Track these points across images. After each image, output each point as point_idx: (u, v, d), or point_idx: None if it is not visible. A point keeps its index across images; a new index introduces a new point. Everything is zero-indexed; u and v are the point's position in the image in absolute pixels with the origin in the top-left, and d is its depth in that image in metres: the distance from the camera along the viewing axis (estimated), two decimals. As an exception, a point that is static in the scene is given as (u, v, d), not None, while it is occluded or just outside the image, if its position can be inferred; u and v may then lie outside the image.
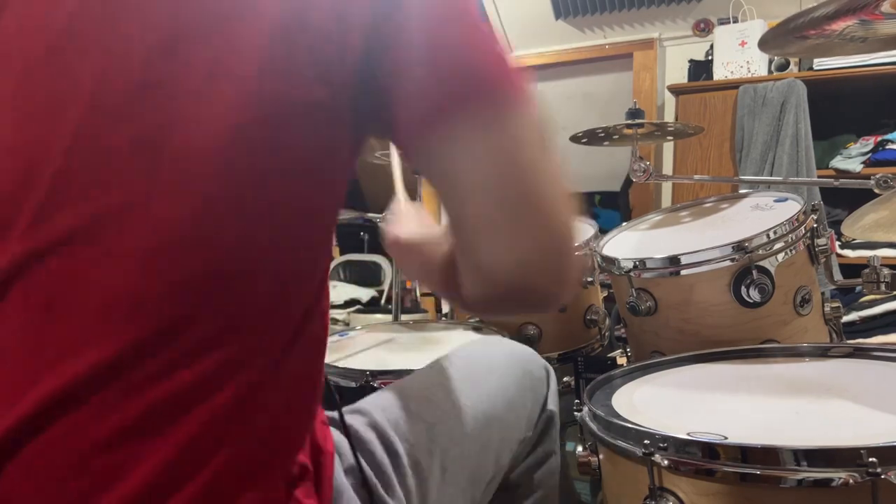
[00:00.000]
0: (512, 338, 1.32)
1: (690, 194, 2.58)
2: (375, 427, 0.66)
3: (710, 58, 2.70)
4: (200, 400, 0.45)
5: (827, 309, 1.11)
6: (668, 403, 0.81)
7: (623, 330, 1.31)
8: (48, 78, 0.46)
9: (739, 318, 1.04)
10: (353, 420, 0.66)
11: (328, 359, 1.18)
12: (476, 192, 0.50)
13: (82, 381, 0.43)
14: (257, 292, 0.48)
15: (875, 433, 0.61)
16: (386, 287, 3.38)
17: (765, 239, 1.03)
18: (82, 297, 0.44)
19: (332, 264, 3.65)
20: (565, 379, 1.40)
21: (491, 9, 3.25)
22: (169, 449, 0.44)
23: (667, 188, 2.99)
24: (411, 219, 0.75)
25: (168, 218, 0.45)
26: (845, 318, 1.86)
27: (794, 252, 1.05)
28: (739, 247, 1.02)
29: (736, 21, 2.67)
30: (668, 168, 2.94)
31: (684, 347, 1.01)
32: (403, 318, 1.90)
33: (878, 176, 1.22)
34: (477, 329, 1.42)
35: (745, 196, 1.29)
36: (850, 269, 1.97)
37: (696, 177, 2.61)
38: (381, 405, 0.70)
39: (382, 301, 3.28)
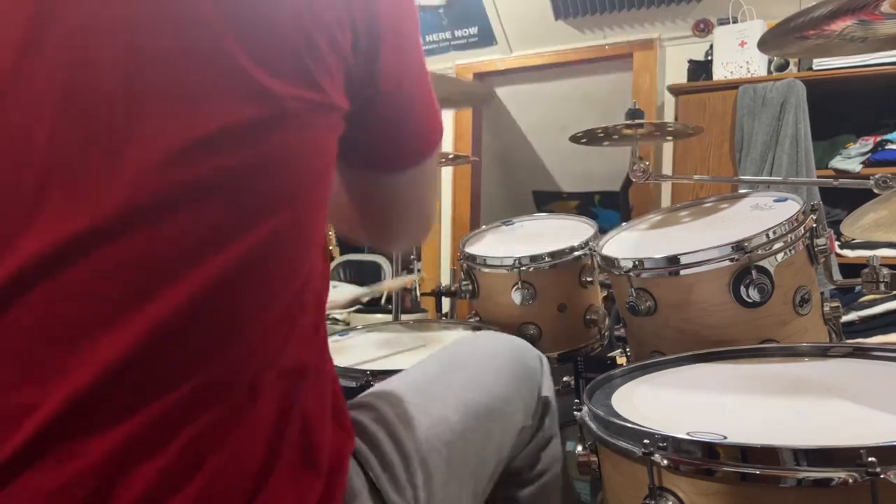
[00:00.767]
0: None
1: (690, 194, 2.58)
2: (383, 422, 0.67)
3: (709, 58, 2.70)
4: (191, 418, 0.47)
5: (826, 309, 1.11)
6: (667, 403, 0.81)
7: (623, 330, 1.31)
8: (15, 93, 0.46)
9: (739, 317, 1.04)
10: (360, 416, 0.67)
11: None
12: (403, 205, 0.72)
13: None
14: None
15: (875, 433, 0.61)
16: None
17: (764, 239, 1.03)
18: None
19: (332, 264, 3.65)
20: (565, 379, 1.40)
21: (491, 9, 3.26)
22: (165, 457, 0.45)
23: (666, 188, 3.00)
24: None
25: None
26: (845, 318, 1.86)
27: (793, 252, 1.05)
28: (739, 247, 1.02)
29: (735, 21, 2.67)
30: (667, 168, 2.94)
31: (684, 347, 1.01)
32: (403, 318, 1.90)
33: (877, 176, 1.22)
34: (477, 329, 1.42)
35: (744, 196, 1.29)
36: (850, 269, 1.97)
37: (696, 177, 2.61)
38: (387, 399, 0.71)
39: (382, 301, 3.28)
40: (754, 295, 1.02)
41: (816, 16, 0.84)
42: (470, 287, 1.49)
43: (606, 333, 1.53)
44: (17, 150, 0.46)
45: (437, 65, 3.46)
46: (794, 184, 2.19)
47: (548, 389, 0.92)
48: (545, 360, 0.95)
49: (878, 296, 2.00)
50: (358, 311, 3.05)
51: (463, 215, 3.53)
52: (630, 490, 0.68)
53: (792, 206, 1.12)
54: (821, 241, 1.08)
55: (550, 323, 1.42)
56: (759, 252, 1.02)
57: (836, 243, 2.33)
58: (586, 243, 1.42)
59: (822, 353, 0.92)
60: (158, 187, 0.45)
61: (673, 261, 1.07)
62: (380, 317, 2.79)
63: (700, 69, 2.75)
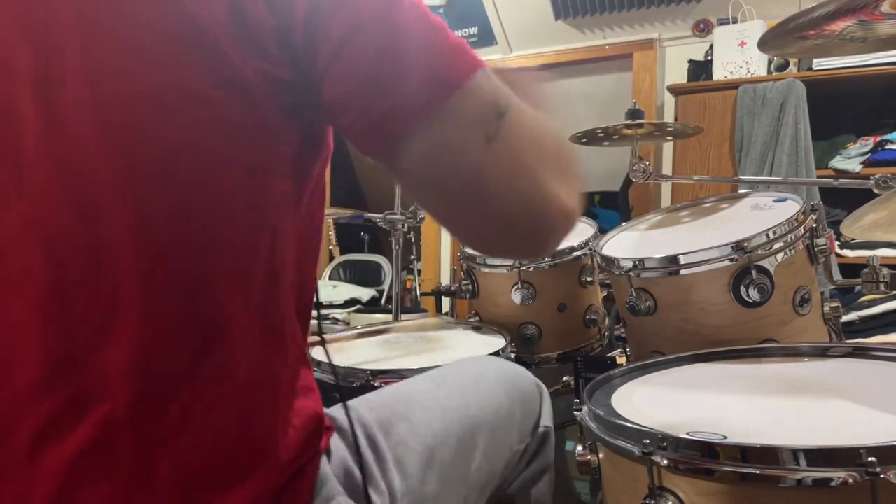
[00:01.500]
0: (512, 337, 1.32)
1: (690, 194, 2.58)
2: (361, 423, 0.68)
3: (709, 58, 2.70)
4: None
5: (826, 309, 1.11)
6: (667, 403, 0.81)
7: (623, 330, 1.31)
8: None
9: (739, 317, 1.04)
10: (338, 415, 0.68)
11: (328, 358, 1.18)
12: (430, 191, 0.56)
13: None
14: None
15: (875, 433, 0.61)
16: (386, 287, 3.38)
17: (764, 239, 1.03)
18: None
19: (332, 264, 3.65)
20: (565, 379, 1.41)
21: (491, 9, 3.26)
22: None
23: (666, 188, 2.99)
24: None
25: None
26: (844, 318, 1.86)
27: (793, 252, 1.05)
28: (739, 247, 1.02)
29: (735, 21, 2.67)
30: (667, 168, 2.94)
31: (684, 347, 1.01)
32: (403, 318, 1.90)
33: (877, 176, 1.22)
34: (477, 329, 1.42)
35: (744, 196, 1.29)
36: (850, 269, 1.97)
37: (696, 177, 2.61)
38: (368, 404, 0.72)
39: (382, 301, 3.28)
40: (754, 295, 1.02)
41: (816, 16, 0.84)
42: (470, 287, 1.49)
43: (606, 333, 1.53)
44: None
45: (437, 65, 3.45)
46: (794, 184, 2.19)
47: (547, 419, 0.91)
48: (544, 389, 0.93)
49: (877, 296, 2.00)
50: (358, 311, 3.05)
51: (463, 215, 3.52)
52: (630, 490, 0.68)
53: (792, 206, 1.12)
54: (821, 241, 1.08)
55: (550, 323, 1.42)
56: (759, 252, 1.02)
57: (836, 243, 2.33)
58: (586, 243, 1.42)
59: (821, 353, 0.92)
60: None
61: (673, 261, 1.07)
62: (380, 317, 2.79)
63: (700, 69, 2.75)
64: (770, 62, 2.59)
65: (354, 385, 1.09)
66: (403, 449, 0.68)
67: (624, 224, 1.37)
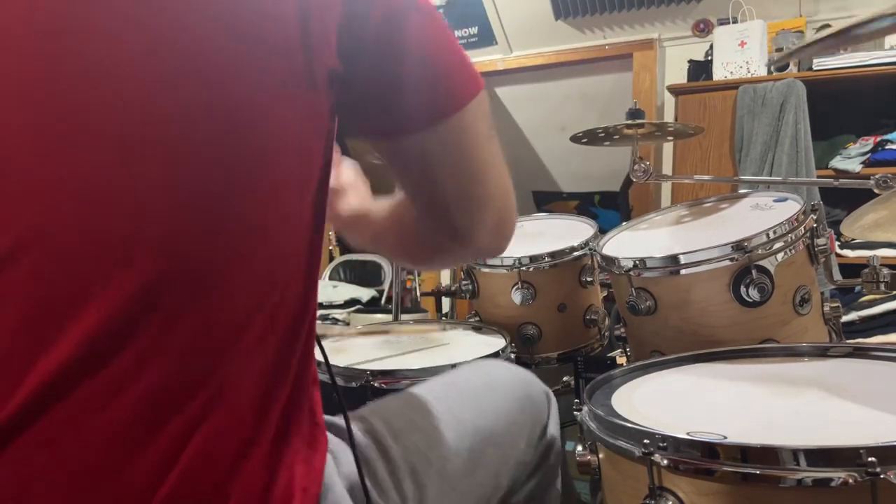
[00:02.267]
0: (512, 337, 1.32)
1: (690, 194, 2.58)
2: (371, 432, 0.67)
3: (709, 58, 2.70)
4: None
5: (826, 309, 1.11)
6: (667, 403, 0.81)
7: (623, 329, 1.31)
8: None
9: (739, 317, 1.04)
10: (351, 424, 0.67)
11: (329, 359, 1.18)
12: (448, 174, 0.62)
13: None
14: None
15: (875, 433, 0.61)
16: (386, 287, 3.38)
17: (764, 239, 1.03)
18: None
19: (332, 264, 3.65)
20: (565, 379, 1.41)
21: (491, 9, 3.26)
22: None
23: (666, 188, 3.00)
24: (352, 193, 0.85)
25: None
26: (845, 318, 1.86)
27: (793, 252, 1.05)
28: (739, 246, 1.02)
29: (735, 21, 2.67)
30: (667, 168, 2.94)
31: (684, 347, 1.01)
32: (403, 317, 1.90)
33: (877, 176, 1.22)
34: (477, 329, 1.42)
35: (744, 196, 1.29)
36: (850, 269, 1.97)
37: (696, 177, 2.61)
38: (380, 413, 0.71)
39: (382, 301, 3.28)
40: (754, 295, 1.02)
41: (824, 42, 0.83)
42: (470, 287, 1.49)
43: (606, 333, 1.53)
44: None
45: (437, 65, 3.45)
46: (794, 184, 2.19)
47: (554, 427, 0.90)
48: (552, 397, 0.92)
49: (878, 296, 2.00)
50: (358, 310, 3.05)
51: (463, 215, 3.52)
52: (630, 490, 0.68)
53: (792, 206, 1.12)
54: (821, 240, 1.08)
55: (550, 323, 1.42)
56: (760, 252, 1.02)
57: (836, 243, 2.33)
58: (586, 243, 1.42)
59: (822, 353, 0.92)
60: None
61: (673, 260, 1.07)
62: (380, 317, 2.79)
63: (700, 69, 2.75)
64: (770, 62, 2.59)
65: (354, 385, 1.09)
66: (417, 459, 0.67)
67: (624, 224, 1.37)
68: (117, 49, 0.45)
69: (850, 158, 2.44)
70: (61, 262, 0.44)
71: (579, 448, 0.78)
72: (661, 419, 0.73)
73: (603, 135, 1.45)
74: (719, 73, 2.64)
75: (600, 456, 0.75)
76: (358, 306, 3.17)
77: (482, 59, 3.42)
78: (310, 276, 0.56)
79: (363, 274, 3.56)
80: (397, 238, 0.76)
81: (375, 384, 1.08)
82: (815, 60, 2.45)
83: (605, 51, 3.17)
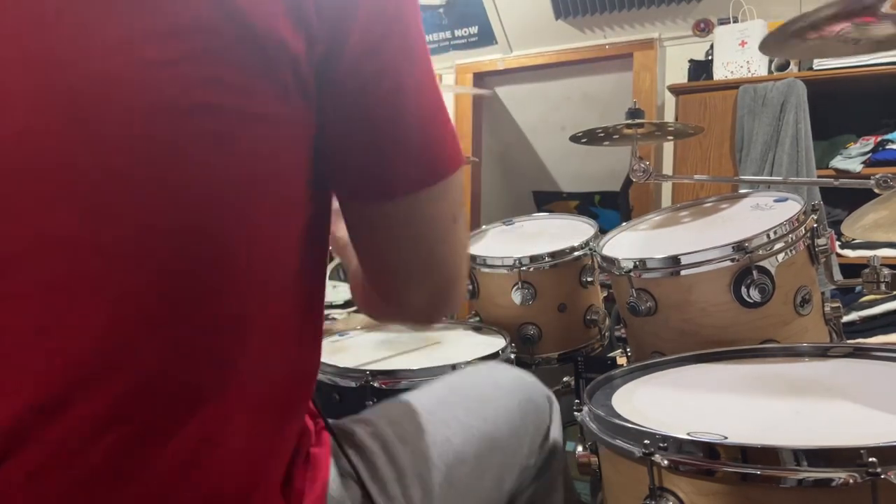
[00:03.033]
0: (512, 337, 1.32)
1: (690, 194, 2.58)
2: (380, 437, 0.66)
3: (710, 58, 2.70)
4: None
5: (827, 309, 1.11)
6: (668, 403, 0.81)
7: (623, 330, 1.31)
8: None
9: (739, 318, 1.04)
10: (358, 429, 0.67)
11: (328, 359, 1.18)
12: (405, 246, 0.59)
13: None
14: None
15: (875, 433, 0.61)
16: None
17: (765, 239, 1.03)
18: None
19: (332, 264, 3.64)
20: (565, 379, 1.40)
21: (491, 9, 3.26)
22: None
23: (667, 188, 2.99)
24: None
25: None
26: (845, 318, 1.86)
27: (794, 252, 1.05)
28: (739, 247, 1.02)
29: (736, 21, 2.67)
30: (668, 168, 2.94)
31: (684, 347, 1.01)
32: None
33: (878, 176, 1.21)
34: (477, 329, 1.42)
35: (745, 196, 1.29)
36: (850, 269, 1.97)
37: (696, 177, 2.61)
38: (387, 417, 0.71)
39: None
40: (755, 295, 1.02)
41: (819, 18, 0.84)
42: (470, 287, 1.49)
43: (607, 334, 1.53)
44: None
45: (436, 64, 3.45)
46: (795, 184, 2.19)
47: (556, 431, 0.90)
48: (555, 401, 0.92)
49: (878, 296, 2.00)
50: (357, 311, 3.05)
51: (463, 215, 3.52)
52: (630, 490, 0.68)
53: (792, 206, 1.12)
54: (822, 241, 1.08)
55: (551, 323, 1.42)
56: (760, 252, 1.02)
57: (837, 243, 2.32)
58: (586, 243, 1.42)
59: (822, 353, 0.92)
60: None
61: (673, 261, 1.06)
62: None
63: (700, 69, 2.75)
64: (770, 62, 2.59)
65: (354, 385, 1.09)
66: (424, 465, 0.67)
67: (624, 224, 1.37)
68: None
69: (851, 158, 2.44)
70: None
71: (579, 448, 0.78)
72: (661, 419, 0.73)
73: (603, 135, 1.45)
74: (720, 73, 2.64)
75: (600, 456, 0.75)
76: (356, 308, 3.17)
77: (482, 58, 3.42)
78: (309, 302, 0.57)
79: (363, 274, 3.55)
80: (352, 279, 0.74)
81: (375, 384, 1.08)
82: (815, 60, 2.45)
83: (606, 50, 3.17)
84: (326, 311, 2.99)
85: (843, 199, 2.36)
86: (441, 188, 0.56)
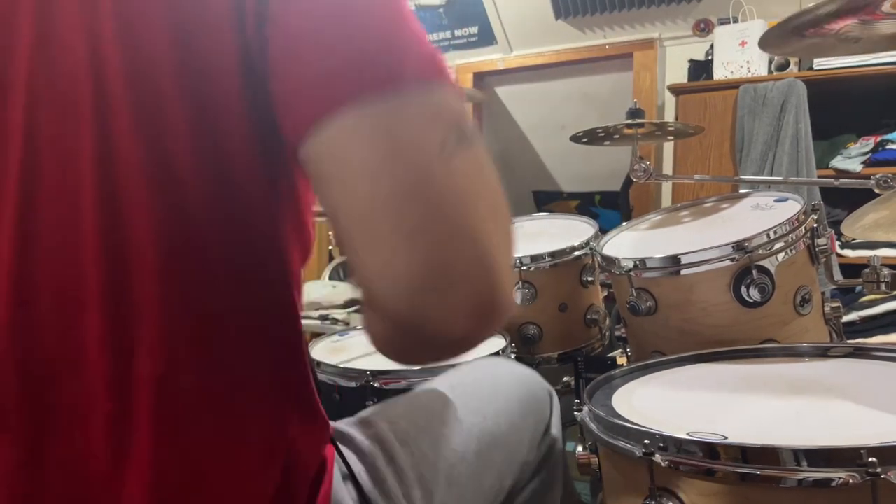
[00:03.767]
0: (512, 337, 1.32)
1: (691, 194, 2.57)
2: (379, 439, 0.66)
3: (710, 58, 2.70)
4: None
5: (827, 309, 1.11)
6: (668, 403, 0.81)
7: (623, 330, 1.31)
8: None
9: (739, 317, 1.04)
10: (356, 431, 0.66)
11: (328, 359, 1.18)
12: (356, 180, 0.42)
13: None
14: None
15: (875, 433, 0.61)
16: (386, 287, 3.37)
17: (765, 239, 1.03)
18: None
19: (332, 264, 3.65)
20: (565, 379, 1.40)
21: (491, 9, 3.25)
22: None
23: (667, 188, 2.99)
24: None
25: None
26: (845, 318, 1.86)
27: (794, 252, 1.05)
28: (739, 246, 1.02)
29: (736, 21, 2.67)
30: (668, 168, 2.94)
31: (684, 347, 1.01)
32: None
33: (878, 176, 1.21)
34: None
35: (745, 196, 1.29)
36: (851, 269, 1.96)
37: (697, 176, 2.61)
38: (387, 417, 0.70)
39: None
40: (755, 295, 1.01)
41: (819, 15, 0.84)
42: (470, 287, 1.48)
43: (607, 333, 1.53)
44: None
45: (437, 64, 3.45)
46: (795, 183, 2.19)
47: (556, 427, 0.89)
48: (555, 397, 0.92)
49: (878, 296, 2.00)
50: (358, 310, 3.05)
51: (463, 215, 3.52)
52: (630, 490, 0.68)
53: (793, 206, 1.12)
54: (822, 240, 1.08)
55: (551, 323, 1.42)
56: (760, 252, 1.02)
57: (837, 243, 2.32)
58: (587, 243, 1.42)
59: (822, 353, 0.92)
60: None
61: (674, 261, 1.06)
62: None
63: (700, 69, 2.75)
64: (770, 62, 2.59)
65: (354, 385, 1.09)
66: (424, 465, 0.66)
67: (624, 224, 1.37)
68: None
69: (851, 158, 2.43)
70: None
71: (580, 448, 0.78)
72: (661, 419, 0.73)
73: (603, 134, 1.45)
74: (720, 73, 2.64)
75: (600, 456, 0.75)
76: (358, 306, 3.17)
77: (482, 58, 3.42)
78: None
79: (363, 274, 3.55)
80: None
81: (375, 384, 1.08)
82: (815, 60, 2.44)
83: (606, 50, 3.16)
84: (326, 312, 2.99)
85: (844, 199, 2.36)
86: (404, 101, 0.42)
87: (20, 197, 0.47)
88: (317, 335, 1.54)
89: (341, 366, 1.13)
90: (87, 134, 0.46)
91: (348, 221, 0.43)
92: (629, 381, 0.90)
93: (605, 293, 1.50)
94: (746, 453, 0.59)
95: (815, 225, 1.09)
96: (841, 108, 2.59)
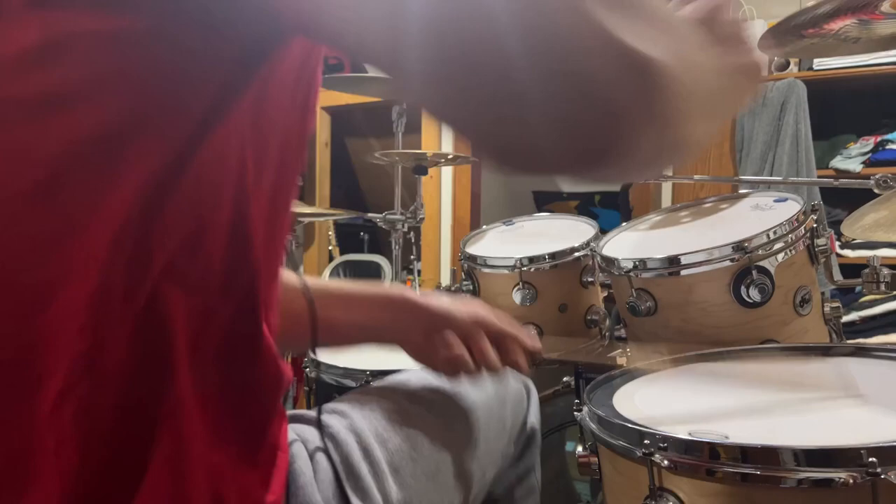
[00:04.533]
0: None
1: (690, 194, 2.58)
2: (355, 430, 0.66)
3: (710, 58, 2.70)
4: None
5: (827, 309, 1.11)
6: (668, 403, 0.81)
7: (623, 330, 1.31)
8: None
9: (739, 318, 1.04)
10: (332, 420, 0.66)
11: (329, 359, 1.18)
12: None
13: None
14: None
15: (875, 433, 0.61)
16: (386, 287, 3.37)
17: (765, 239, 1.03)
18: None
19: (332, 265, 3.65)
20: (565, 379, 1.40)
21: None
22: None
23: (666, 188, 2.99)
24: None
25: None
26: (845, 318, 1.86)
27: (794, 252, 1.05)
28: (739, 247, 1.02)
29: (736, 21, 2.67)
30: (668, 168, 2.94)
31: (684, 347, 1.01)
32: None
33: (877, 176, 1.22)
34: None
35: (744, 196, 1.29)
36: (850, 269, 1.97)
37: (696, 177, 2.61)
38: (361, 408, 0.70)
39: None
40: (755, 295, 1.02)
41: (817, 15, 0.84)
42: (470, 287, 1.49)
43: (607, 334, 1.53)
44: None
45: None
46: (795, 184, 2.19)
47: (534, 418, 0.90)
48: (532, 388, 0.92)
49: (878, 296, 1.99)
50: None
51: (463, 215, 3.53)
52: (630, 490, 0.68)
53: (792, 206, 1.12)
54: (821, 241, 1.08)
55: (551, 323, 1.42)
56: (760, 252, 1.02)
57: (837, 243, 2.33)
58: (587, 243, 1.42)
59: (822, 353, 0.92)
60: None
61: (673, 261, 1.07)
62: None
63: (700, 69, 2.75)
64: (770, 62, 2.59)
65: (354, 385, 1.09)
66: (400, 459, 0.66)
67: (624, 224, 1.37)
68: None
69: (851, 158, 2.44)
70: None
71: (580, 449, 0.78)
72: (661, 419, 0.73)
73: (603, 135, 1.44)
74: (719, 73, 2.64)
75: (600, 456, 0.75)
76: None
77: None
78: None
79: (363, 274, 3.56)
80: None
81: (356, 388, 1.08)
82: (815, 60, 2.45)
83: (606, 51, 3.16)
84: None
85: (843, 199, 2.37)
86: None
87: None
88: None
89: (341, 366, 1.13)
90: None
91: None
92: (629, 382, 0.90)
93: (605, 293, 1.51)
94: (747, 453, 0.59)
95: (815, 225, 1.09)
96: (841, 108, 2.59)
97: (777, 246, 1.03)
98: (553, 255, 1.39)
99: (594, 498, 1.41)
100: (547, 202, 4.05)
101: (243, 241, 0.43)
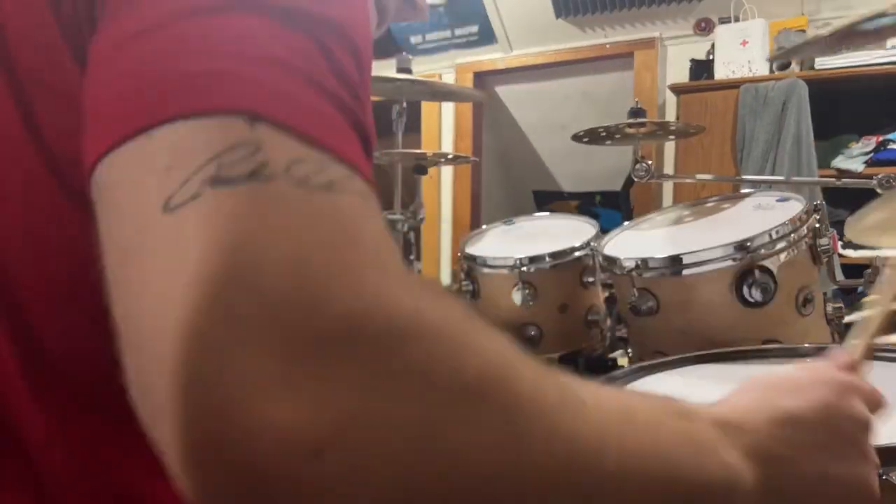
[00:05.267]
0: (513, 338, 1.31)
1: (692, 194, 2.57)
2: None
3: (711, 57, 2.70)
4: None
5: (829, 309, 1.10)
6: (669, 404, 0.80)
7: (624, 330, 1.30)
8: None
9: (741, 318, 1.04)
10: None
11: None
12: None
13: None
14: None
15: (876, 433, 0.61)
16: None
17: (767, 239, 1.02)
18: None
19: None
20: (566, 379, 1.40)
21: (491, 8, 3.25)
22: None
23: (668, 188, 2.99)
24: None
25: None
26: (847, 319, 1.85)
27: (796, 252, 1.05)
28: (741, 247, 1.02)
29: (737, 20, 2.66)
30: (669, 167, 2.93)
31: (686, 348, 1.00)
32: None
33: (880, 176, 1.21)
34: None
35: (746, 196, 1.29)
36: (852, 269, 1.96)
37: (698, 176, 2.61)
38: None
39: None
40: (757, 295, 1.01)
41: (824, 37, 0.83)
42: (470, 287, 1.48)
43: (608, 334, 1.53)
44: None
45: (437, 64, 3.46)
46: (797, 183, 2.19)
47: None
48: None
49: (880, 296, 1.99)
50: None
51: (463, 215, 3.52)
52: (632, 492, 0.67)
53: (794, 206, 1.12)
54: (823, 241, 1.08)
55: (551, 324, 1.41)
56: (762, 252, 1.02)
57: (839, 243, 2.32)
58: (587, 243, 1.42)
59: (824, 353, 0.91)
60: None
61: (675, 261, 1.06)
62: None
63: (701, 68, 2.75)
64: (771, 62, 2.59)
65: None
66: None
67: (626, 224, 1.36)
68: None
69: (853, 158, 2.43)
70: None
71: (580, 450, 0.77)
72: (662, 421, 0.72)
73: (604, 134, 1.44)
74: (721, 73, 2.63)
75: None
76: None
77: (482, 57, 3.42)
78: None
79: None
80: None
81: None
82: (816, 60, 2.44)
83: (606, 50, 3.16)
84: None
85: (845, 199, 2.36)
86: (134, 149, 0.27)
87: None
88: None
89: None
90: None
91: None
92: (631, 382, 0.89)
93: (607, 293, 1.50)
94: (749, 455, 0.59)
95: (817, 225, 1.08)
96: (842, 108, 2.59)
97: (779, 246, 1.03)
98: (553, 255, 1.39)
99: (595, 499, 1.40)
100: (547, 202, 4.05)
101: None
